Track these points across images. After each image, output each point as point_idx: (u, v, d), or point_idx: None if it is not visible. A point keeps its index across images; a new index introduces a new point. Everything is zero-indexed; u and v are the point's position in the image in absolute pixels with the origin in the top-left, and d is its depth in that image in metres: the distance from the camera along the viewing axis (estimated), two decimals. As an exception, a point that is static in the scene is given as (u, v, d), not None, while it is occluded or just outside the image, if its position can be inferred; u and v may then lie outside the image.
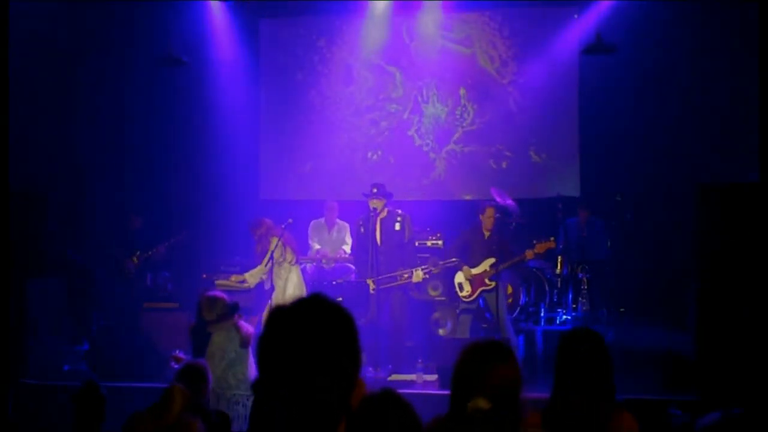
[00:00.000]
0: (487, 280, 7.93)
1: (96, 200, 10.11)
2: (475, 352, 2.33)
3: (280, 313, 1.66)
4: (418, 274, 7.67)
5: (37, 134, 9.27)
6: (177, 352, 6.00)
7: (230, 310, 6.03)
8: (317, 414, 1.59)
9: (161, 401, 3.26)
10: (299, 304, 1.66)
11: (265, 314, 7.81)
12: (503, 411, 2.14)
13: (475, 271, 7.96)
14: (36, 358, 7.56)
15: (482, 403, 2.10)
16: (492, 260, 7.91)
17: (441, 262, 8.08)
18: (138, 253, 9.18)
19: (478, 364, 2.27)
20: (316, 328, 1.61)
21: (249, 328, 6.10)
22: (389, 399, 2.01)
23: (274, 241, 7.82)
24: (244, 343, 6.03)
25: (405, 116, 10.38)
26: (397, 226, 7.79)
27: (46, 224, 7.92)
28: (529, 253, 7.84)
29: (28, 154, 8.91)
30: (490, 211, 8.06)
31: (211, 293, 6.19)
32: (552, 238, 7.91)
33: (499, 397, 2.17)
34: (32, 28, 8.72)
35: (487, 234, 8.05)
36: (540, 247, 7.86)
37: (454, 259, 8.02)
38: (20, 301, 7.42)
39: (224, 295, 6.16)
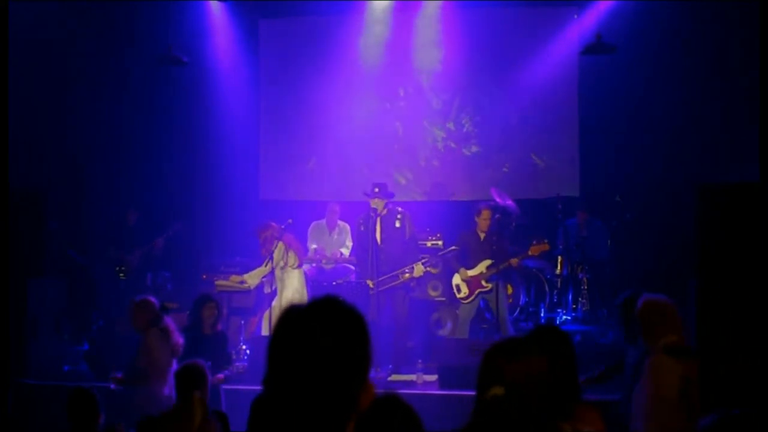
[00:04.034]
0: (483, 282, 7.93)
1: (96, 200, 10.12)
2: (490, 351, 2.33)
3: (293, 312, 1.66)
4: (419, 268, 7.67)
5: (38, 134, 9.29)
6: (117, 374, 5.95)
7: (160, 312, 5.89)
8: (326, 414, 1.60)
9: (181, 410, 3.24)
10: (313, 304, 1.67)
11: (266, 317, 7.82)
12: (526, 405, 2.13)
13: (471, 272, 7.97)
14: (36, 358, 7.56)
15: (498, 390, 2.11)
16: (488, 262, 7.92)
17: (440, 253, 8.11)
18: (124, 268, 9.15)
19: (491, 363, 2.27)
20: (329, 329, 1.62)
21: (178, 336, 5.89)
22: (393, 403, 2.02)
23: (278, 244, 7.80)
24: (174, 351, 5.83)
25: (405, 116, 10.38)
26: (397, 224, 7.77)
27: (46, 224, 7.91)
28: (513, 261, 7.86)
29: (28, 153, 8.93)
30: (485, 213, 8.06)
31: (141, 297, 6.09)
32: (546, 241, 7.92)
33: (518, 393, 2.16)
34: (32, 27, 8.73)
35: (482, 235, 8.06)
36: (534, 250, 7.88)
37: (453, 248, 8.04)
38: (20, 301, 7.42)
39: (153, 299, 6.04)
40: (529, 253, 7.93)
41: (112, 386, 5.86)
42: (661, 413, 3.84)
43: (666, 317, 4.12)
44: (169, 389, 5.60)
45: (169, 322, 5.89)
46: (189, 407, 3.07)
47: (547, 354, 2.32)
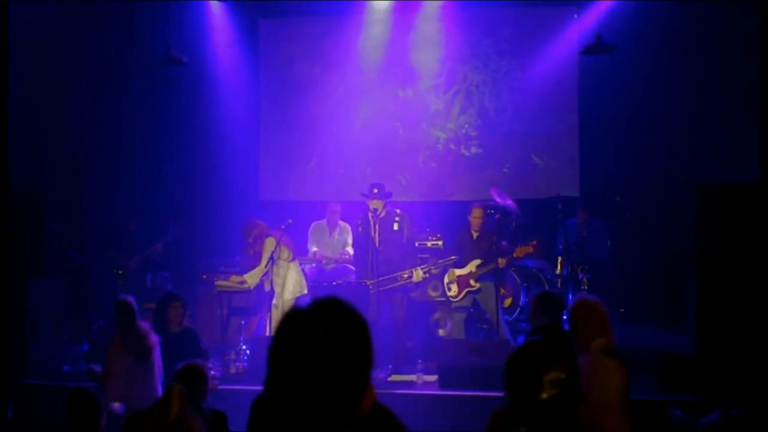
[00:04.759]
0: (472, 282, 7.95)
1: (96, 200, 10.12)
2: (520, 356, 2.34)
3: (295, 314, 1.65)
4: (419, 274, 7.66)
5: (37, 134, 9.29)
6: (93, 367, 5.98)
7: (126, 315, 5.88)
8: (328, 417, 1.60)
9: (160, 402, 3.27)
10: (315, 305, 1.66)
11: (267, 316, 7.82)
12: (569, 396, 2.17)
13: (459, 272, 8.00)
14: (36, 358, 7.56)
15: (559, 375, 2.14)
16: (478, 261, 7.94)
17: (441, 261, 8.10)
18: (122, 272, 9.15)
19: (533, 366, 2.28)
20: (332, 332, 1.61)
21: (153, 337, 5.88)
22: (380, 409, 2.02)
23: (272, 241, 7.80)
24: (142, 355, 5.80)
25: (405, 117, 10.37)
26: (396, 226, 7.76)
27: (46, 224, 7.91)
28: (500, 262, 7.86)
29: (28, 153, 8.92)
30: (476, 212, 8.09)
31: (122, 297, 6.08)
32: (532, 243, 7.92)
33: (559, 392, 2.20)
34: (32, 27, 8.73)
35: (475, 235, 8.09)
36: (519, 252, 7.89)
37: (453, 257, 8.04)
38: (20, 301, 7.41)
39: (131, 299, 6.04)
40: (515, 255, 7.94)
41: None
42: (603, 415, 3.84)
43: (599, 318, 4.13)
44: (125, 389, 5.59)
45: (141, 325, 5.87)
46: (167, 399, 3.08)
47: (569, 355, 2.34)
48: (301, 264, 8.35)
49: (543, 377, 2.16)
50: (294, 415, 1.59)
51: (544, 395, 2.14)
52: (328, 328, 1.61)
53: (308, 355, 1.58)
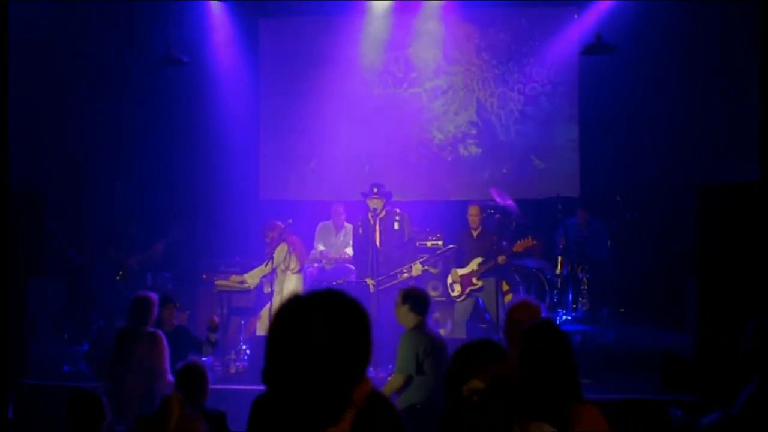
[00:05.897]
0: (474, 280, 7.98)
1: (96, 200, 10.12)
2: (466, 352, 2.33)
3: (294, 303, 1.65)
4: (417, 267, 7.70)
5: (38, 134, 9.28)
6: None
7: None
8: (321, 405, 1.60)
9: (159, 411, 3.27)
10: (315, 295, 1.66)
11: (262, 317, 7.81)
12: (499, 397, 2.14)
13: (461, 271, 8.03)
14: (36, 358, 7.56)
15: (477, 384, 2.11)
16: (479, 260, 7.97)
17: (438, 252, 8.14)
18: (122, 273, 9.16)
19: (471, 364, 2.27)
20: (328, 319, 1.61)
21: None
22: (375, 399, 2.01)
23: (283, 248, 7.78)
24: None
25: (404, 116, 10.37)
26: (396, 226, 7.78)
27: (46, 224, 7.90)
28: (500, 258, 7.86)
29: (28, 153, 8.92)
30: (472, 209, 8.17)
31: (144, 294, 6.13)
32: (530, 237, 7.94)
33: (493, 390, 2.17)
34: (32, 27, 8.73)
35: (475, 234, 8.13)
36: (519, 246, 7.91)
37: (451, 246, 8.08)
38: (20, 301, 7.41)
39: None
40: (514, 249, 7.96)
41: None
42: None
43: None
44: (109, 389, 5.60)
45: (125, 328, 5.94)
46: (166, 408, 3.08)
47: (502, 359, 2.32)
48: (304, 264, 8.31)
49: (462, 385, 2.13)
50: (290, 404, 1.59)
51: (466, 402, 2.11)
52: (325, 317, 1.61)
53: (305, 343, 1.58)
